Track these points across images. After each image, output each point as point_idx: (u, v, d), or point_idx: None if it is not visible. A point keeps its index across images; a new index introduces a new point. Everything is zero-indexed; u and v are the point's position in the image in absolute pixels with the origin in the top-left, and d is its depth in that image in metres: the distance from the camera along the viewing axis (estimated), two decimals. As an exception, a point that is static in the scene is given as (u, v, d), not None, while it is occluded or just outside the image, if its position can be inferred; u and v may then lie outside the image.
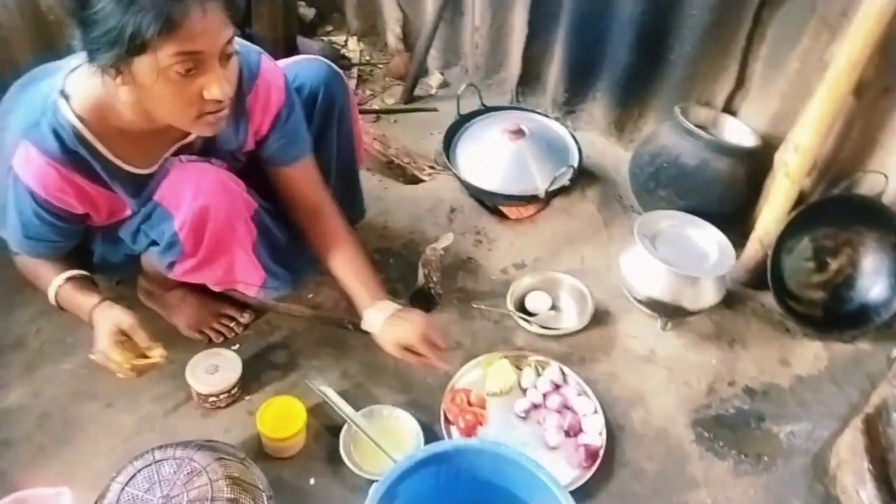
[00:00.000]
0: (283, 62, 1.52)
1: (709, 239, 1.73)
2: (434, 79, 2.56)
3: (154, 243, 1.39)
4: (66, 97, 1.20)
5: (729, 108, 2.01)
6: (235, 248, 1.40)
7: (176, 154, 1.37)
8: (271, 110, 1.40)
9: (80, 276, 1.40)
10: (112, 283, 1.73)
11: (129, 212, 1.38)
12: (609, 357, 1.70)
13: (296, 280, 1.58)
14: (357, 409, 1.48)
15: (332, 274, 1.51)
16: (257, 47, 1.38)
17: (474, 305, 1.77)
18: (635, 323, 1.77)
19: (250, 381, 1.56)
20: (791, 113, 1.80)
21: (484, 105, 2.24)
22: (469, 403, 1.54)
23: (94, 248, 1.49)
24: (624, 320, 1.78)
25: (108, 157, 1.27)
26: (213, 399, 1.50)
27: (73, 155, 1.22)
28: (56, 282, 1.37)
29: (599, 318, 1.76)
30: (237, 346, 1.62)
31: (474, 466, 1.22)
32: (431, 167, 2.18)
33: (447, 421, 1.52)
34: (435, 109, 2.44)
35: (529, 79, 2.38)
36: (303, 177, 1.51)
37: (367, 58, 2.68)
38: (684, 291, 1.65)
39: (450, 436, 1.49)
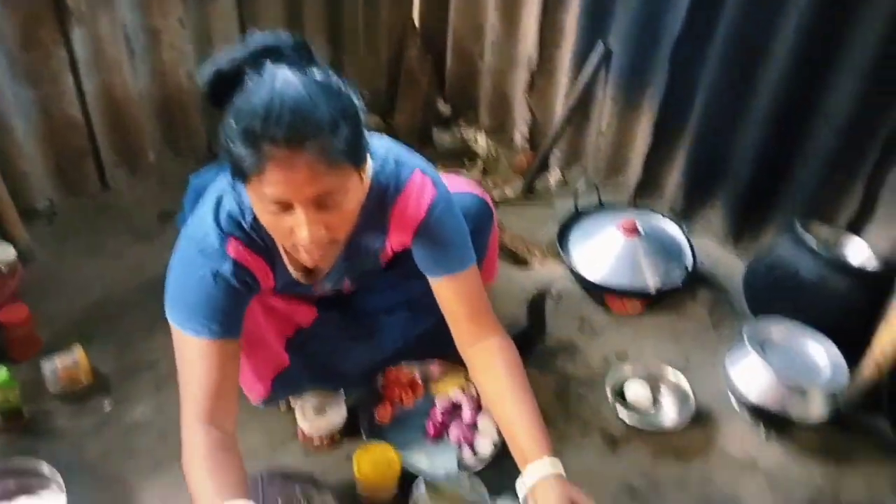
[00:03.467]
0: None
1: (821, 352, 1.69)
2: (554, 175, 2.67)
3: None
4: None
5: (852, 228, 1.98)
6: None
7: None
8: (409, 225, 1.34)
9: None
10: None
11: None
12: (707, 458, 1.66)
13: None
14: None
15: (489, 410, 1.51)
16: (420, 162, 1.35)
17: (572, 389, 1.79)
18: (737, 428, 1.73)
19: (352, 428, 1.63)
20: (917, 238, 1.76)
21: (601, 203, 2.33)
22: (410, 387, 1.69)
23: None
24: (726, 424, 1.74)
25: (282, 255, 1.32)
26: (317, 437, 1.59)
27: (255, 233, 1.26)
28: None
29: (700, 418, 1.73)
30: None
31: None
32: (543, 255, 2.26)
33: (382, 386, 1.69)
34: (552, 204, 2.55)
35: (648, 184, 2.43)
36: (458, 289, 1.39)
37: (493, 152, 2.86)
38: (792, 402, 1.62)
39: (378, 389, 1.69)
